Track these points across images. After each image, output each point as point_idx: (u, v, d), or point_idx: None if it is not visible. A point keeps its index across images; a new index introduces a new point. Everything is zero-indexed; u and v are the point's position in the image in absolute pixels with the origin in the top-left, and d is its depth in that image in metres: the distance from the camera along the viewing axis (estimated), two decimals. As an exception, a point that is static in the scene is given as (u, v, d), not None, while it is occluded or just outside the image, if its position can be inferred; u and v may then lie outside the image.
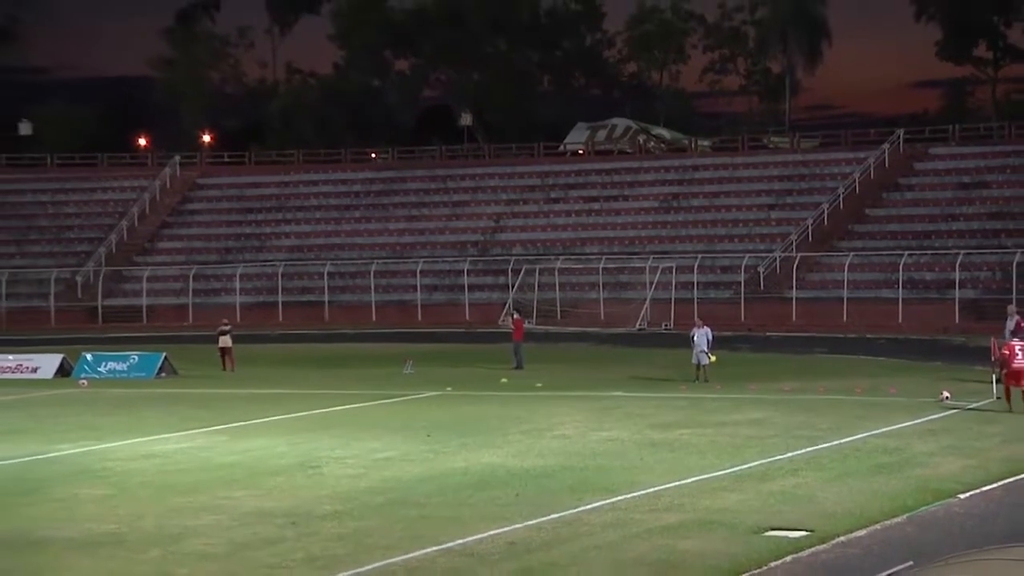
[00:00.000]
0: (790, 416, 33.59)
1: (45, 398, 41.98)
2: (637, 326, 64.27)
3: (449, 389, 41.49)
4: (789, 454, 27.84)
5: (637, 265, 67.82)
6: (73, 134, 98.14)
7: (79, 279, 75.30)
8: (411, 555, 19.50)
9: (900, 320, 61.47)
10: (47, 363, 48.81)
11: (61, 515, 22.97)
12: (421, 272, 71.37)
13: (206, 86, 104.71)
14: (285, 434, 32.47)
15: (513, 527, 21.19)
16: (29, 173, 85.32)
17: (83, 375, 47.17)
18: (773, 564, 18.58)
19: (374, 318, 69.78)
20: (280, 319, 70.43)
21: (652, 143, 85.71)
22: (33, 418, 36.75)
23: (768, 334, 60.59)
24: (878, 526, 20.72)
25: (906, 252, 64.77)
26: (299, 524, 21.71)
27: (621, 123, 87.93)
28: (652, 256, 68.31)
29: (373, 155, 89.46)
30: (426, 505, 23.31)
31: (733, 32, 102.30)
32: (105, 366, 48.18)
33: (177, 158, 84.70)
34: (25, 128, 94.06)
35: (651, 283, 66.02)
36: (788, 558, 18.86)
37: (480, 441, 30.61)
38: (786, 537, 20.08)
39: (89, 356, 49.01)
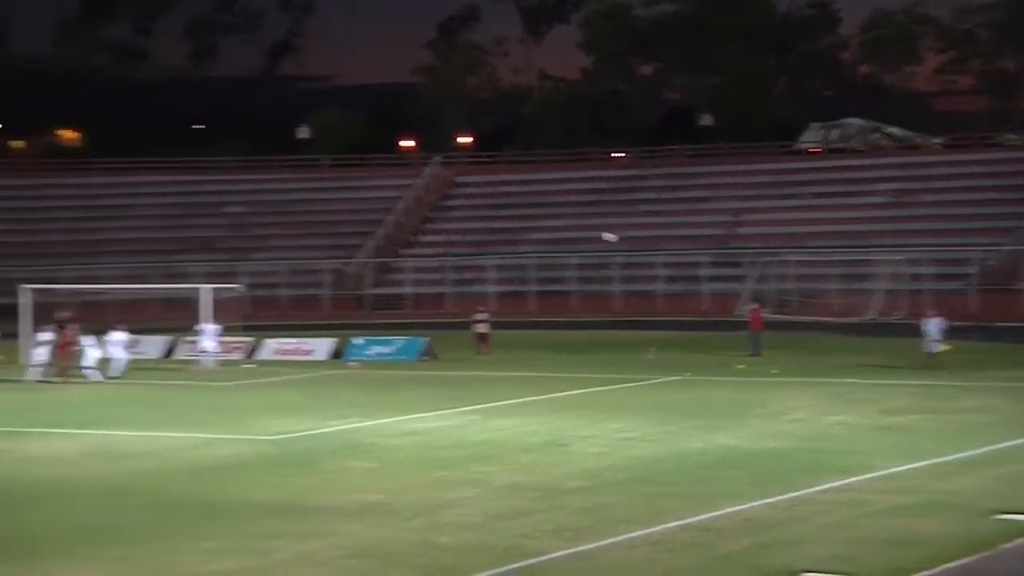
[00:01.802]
0: (1018, 404, 32.44)
1: (319, 378, 43.03)
2: (869, 316, 62.91)
3: (688, 374, 41.23)
4: (1018, 440, 26.89)
5: (869, 258, 66.36)
6: (345, 137, 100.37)
7: (350, 270, 77.01)
8: (652, 529, 19.42)
9: None
10: (321, 347, 50.03)
11: (333, 486, 23.50)
12: (662, 264, 71.07)
13: (465, 92, 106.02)
14: (535, 414, 32.69)
15: (750, 505, 20.94)
16: (306, 173, 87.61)
17: (353, 358, 48.17)
18: (1004, 546, 17.96)
19: (617, 307, 69.75)
20: (530, 307, 70.90)
21: (884, 141, 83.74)
22: (308, 396, 37.74)
23: (998, 324, 58.64)
24: (1108, 512, 19.86)
25: None
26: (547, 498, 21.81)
27: (854, 122, 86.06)
28: (884, 249, 66.76)
29: (617, 155, 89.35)
30: (666, 483, 23.20)
31: (967, 34, 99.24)
32: (372, 350, 49.16)
33: (438, 158, 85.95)
34: (303, 133, 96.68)
35: (883, 275, 64.56)
36: (1019, 540, 18.21)
37: (717, 423, 30.34)
38: (1017, 520, 19.39)
39: (358, 340, 50.05)
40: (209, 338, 45.29)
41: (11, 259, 76.21)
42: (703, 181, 79.10)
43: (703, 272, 70.25)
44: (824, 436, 28.18)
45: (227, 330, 47.86)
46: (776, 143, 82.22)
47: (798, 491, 21.92)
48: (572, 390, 37.50)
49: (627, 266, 72.22)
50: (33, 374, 42.19)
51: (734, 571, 17.32)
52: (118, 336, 44.23)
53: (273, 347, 50.13)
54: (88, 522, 20.65)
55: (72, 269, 73.10)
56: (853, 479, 22.92)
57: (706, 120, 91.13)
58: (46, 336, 42.85)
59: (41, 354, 42.51)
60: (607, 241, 51.09)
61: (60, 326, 43.48)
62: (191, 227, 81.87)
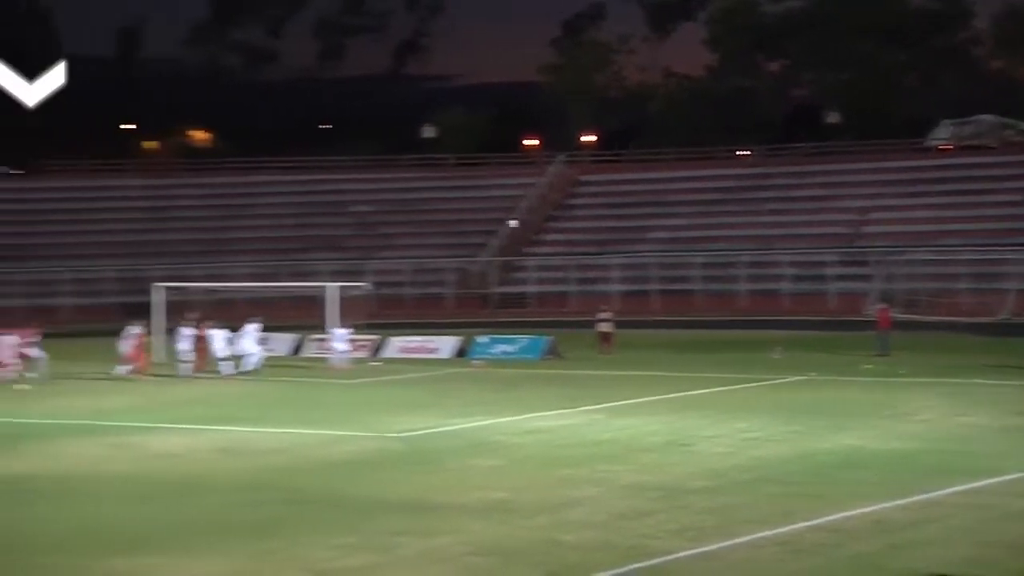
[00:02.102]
0: None
1: (443, 376, 43.34)
2: (1001, 316, 61.76)
3: (813, 374, 40.88)
4: None
5: (1001, 257, 65.13)
6: (469, 136, 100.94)
7: (474, 268, 77.43)
8: (779, 530, 19.35)
9: None
10: (445, 345, 50.35)
11: (457, 483, 23.69)
12: (787, 263, 70.44)
13: (590, 90, 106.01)
14: (658, 413, 32.66)
15: (880, 506, 20.76)
16: (431, 172, 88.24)
17: (477, 356, 48.41)
18: None
19: (742, 306, 69.30)
20: (653, 307, 70.71)
21: (1017, 137, 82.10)
22: (433, 394, 38.03)
23: None
24: None
25: None
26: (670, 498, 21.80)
27: (986, 119, 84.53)
28: (1016, 248, 65.47)
29: (742, 153, 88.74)
30: (792, 483, 23.07)
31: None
32: (496, 348, 49.33)
33: (562, 157, 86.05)
34: (428, 132, 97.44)
35: (1015, 274, 63.31)
36: None
37: (843, 424, 30.07)
38: None
39: (482, 339, 50.29)
40: (340, 340, 45.92)
41: (143, 257, 77.84)
42: (830, 179, 78.24)
43: (830, 271, 69.51)
44: (953, 437, 27.81)
45: (353, 328, 48.46)
46: (906, 140, 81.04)
47: (926, 493, 21.68)
48: (696, 389, 37.38)
49: (752, 265, 71.71)
50: (184, 370, 43.04)
51: (863, 573, 17.21)
52: (252, 329, 45.01)
53: (398, 345, 50.56)
54: (221, 517, 21.08)
55: (201, 267, 74.50)
56: (983, 482, 22.61)
57: (833, 117, 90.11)
58: (188, 332, 43.66)
59: (188, 351, 43.41)
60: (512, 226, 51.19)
61: (197, 323, 44.37)
62: (318, 226, 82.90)
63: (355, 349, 47.83)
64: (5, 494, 23.38)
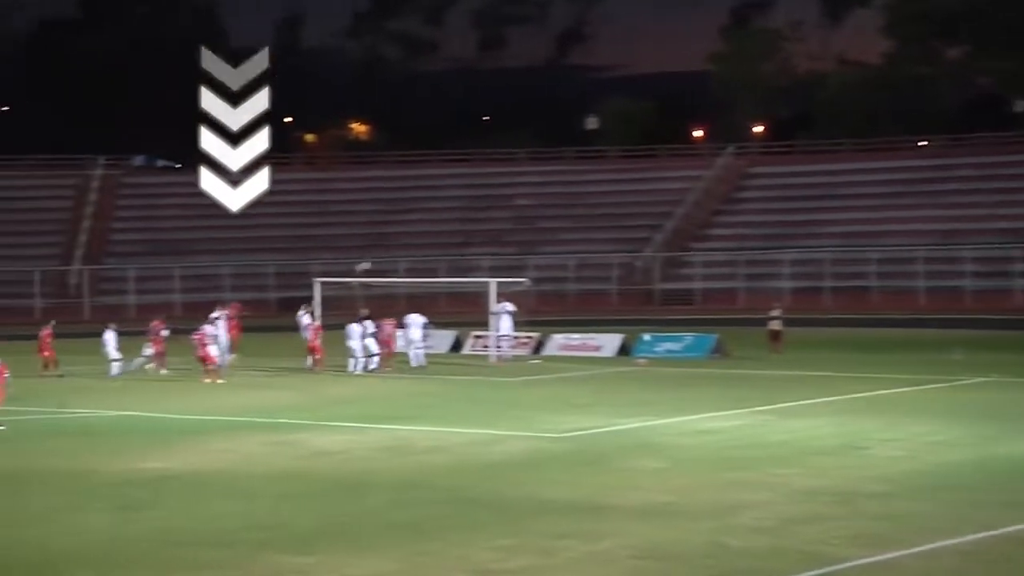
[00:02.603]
0: None
1: (607, 375, 43.34)
2: None
3: (996, 376, 40.00)
4: None
5: None
6: (633, 127, 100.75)
7: (638, 264, 77.31)
8: (961, 539, 19.02)
9: None
10: (609, 342, 50.29)
11: (622, 485, 23.72)
12: (970, 259, 69.02)
13: (759, 79, 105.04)
14: (831, 415, 32.29)
15: (1069, 517, 20.28)
16: (594, 165, 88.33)
17: (641, 354, 48.31)
18: None
19: (921, 304, 68.08)
20: (826, 304, 69.84)
21: None
22: (595, 393, 38.06)
23: None
24: None
25: None
26: (845, 503, 21.54)
27: None
28: None
29: (921, 143, 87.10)
30: (975, 490, 22.65)
31: None
32: (661, 346, 49.15)
33: (730, 148, 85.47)
34: (591, 123, 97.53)
35: None
36: None
37: (1029, 429, 29.39)
38: None
39: (647, 336, 50.16)
40: (507, 327, 46.32)
41: (303, 252, 79.29)
42: (1016, 171, 76.41)
43: (1016, 267, 67.95)
44: None
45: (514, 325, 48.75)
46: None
47: (1119, 503, 21.12)
48: (871, 391, 36.85)
49: (932, 260, 70.42)
50: (359, 366, 43.62)
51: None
52: (416, 320, 45.58)
53: (559, 342, 50.62)
54: (384, 517, 21.41)
55: (361, 263, 75.52)
56: None
57: (1019, 106, 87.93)
58: (367, 328, 44.21)
59: (373, 347, 44.15)
60: (363, 271, 50.53)
61: (363, 318, 44.96)
62: (479, 220, 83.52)
63: (514, 345, 48.11)
64: (169, 489, 24.03)
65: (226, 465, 26.61)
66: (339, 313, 48.60)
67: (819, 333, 56.94)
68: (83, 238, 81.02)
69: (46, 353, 43.50)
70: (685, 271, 76.56)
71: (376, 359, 44.37)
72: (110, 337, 44.53)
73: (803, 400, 35.03)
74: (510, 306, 47.61)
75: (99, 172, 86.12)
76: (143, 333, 45.35)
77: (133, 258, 80.00)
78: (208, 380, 40.68)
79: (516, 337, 48.19)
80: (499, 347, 47.15)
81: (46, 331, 44.46)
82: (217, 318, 45.48)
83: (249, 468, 26.24)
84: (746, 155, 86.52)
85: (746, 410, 33.46)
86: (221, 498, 23.19)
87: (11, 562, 18.93)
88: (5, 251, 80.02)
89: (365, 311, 45.91)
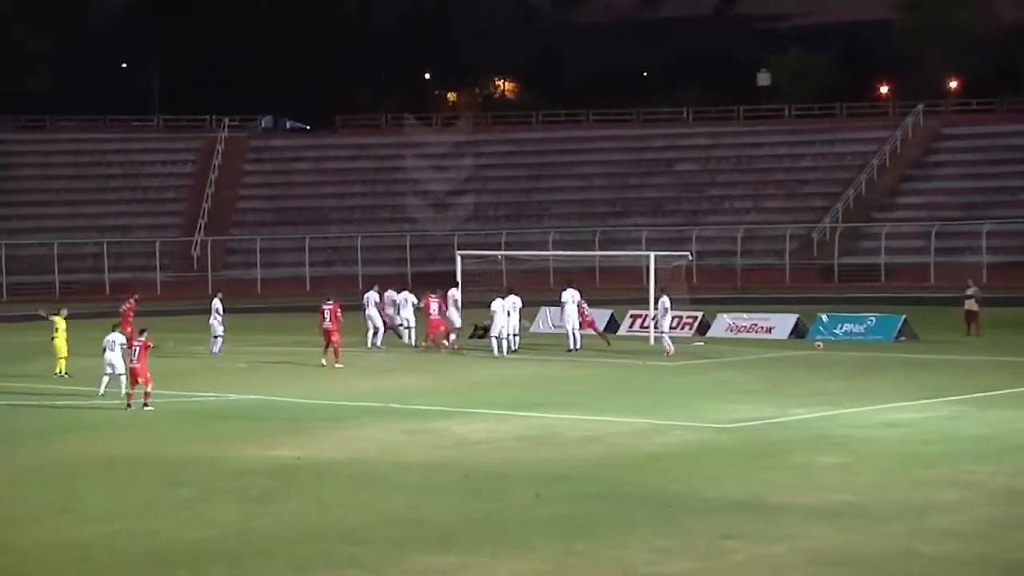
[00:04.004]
0: None
1: (779, 360, 42.90)
2: None
3: None
4: None
5: None
6: (810, 83, 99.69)
7: (815, 236, 76.45)
8: None
9: None
10: (781, 323, 49.83)
11: (796, 482, 23.45)
12: None
13: (953, 28, 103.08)
14: (1037, 407, 31.59)
15: None
16: (766, 125, 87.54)
17: (818, 336, 47.78)
18: None
19: None
20: (1031, 281, 68.42)
21: None
22: (767, 380, 37.67)
23: None
24: None
25: None
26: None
27: None
28: None
29: None
30: None
31: None
32: (841, 328, 48.59)
33: (920, 107, 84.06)
34: (763, 79, 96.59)
35: None
36: None
37: None
38: None
39: (824, 317, 49.60)
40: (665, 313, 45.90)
41: (444, 222, 79.66)
42: None
43: None
44: None
45: (674, 303, 48.42)
46: None
47: None
48: (1083, 379, 35.97)
49: None
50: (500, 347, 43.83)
51: None
52: (571, 296, 45.44)
53: (726, 323, 50.29)
54: (530, 513, 21.37)
55: (506, 234, 75.83)
56: None
57: None
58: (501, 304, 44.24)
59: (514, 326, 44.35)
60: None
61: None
62: (636, 187, 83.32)
63: (674, 326, 47.85)
64: (299, 480, 24.27)
65: (359, 454, 26.78)
66: (480, 289, 48.68)
67: (1021, 313, 55.76)
68: (206, 207, 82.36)
69: (128, 329, 44.21)
70: (868, 244, 75.53)
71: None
72: (217, 307, 45.15)
73: (1005, 389, 34.34)
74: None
75: (224, 135, 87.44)
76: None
77: (260, 228, 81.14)
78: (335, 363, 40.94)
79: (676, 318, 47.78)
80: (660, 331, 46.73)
81: (129, 304, 45.13)
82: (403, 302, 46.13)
83: (384, 458, 26.39)
84: (938, 114, 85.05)
85: (938, 400, 32.91)
86: (354, 490, 23.34)
87: (136, 555, 19.33)
88: (124, 220, 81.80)
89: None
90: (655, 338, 45.37)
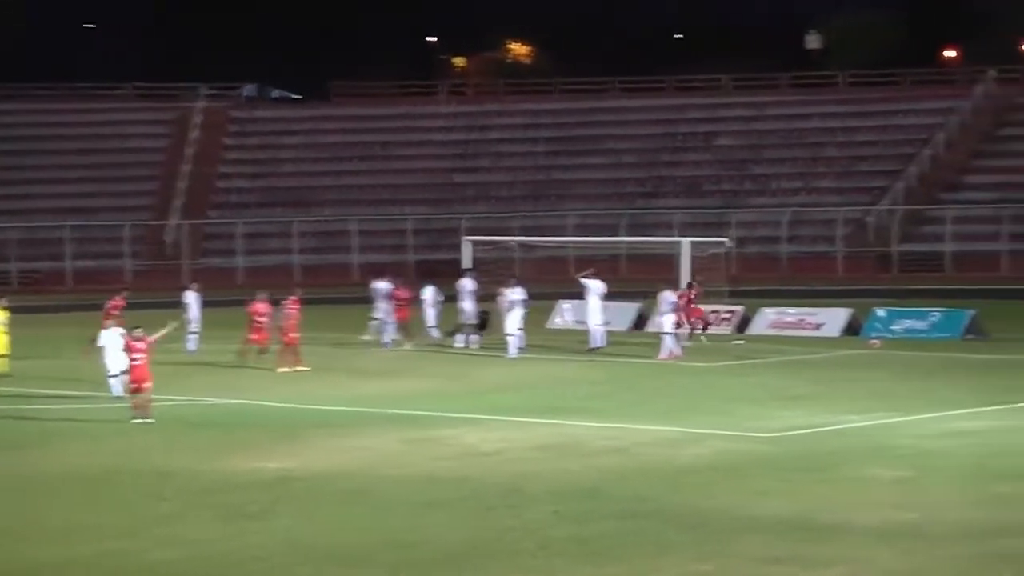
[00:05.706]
0: None
1: (830, 359, 43.05)
2: None
3: None
4: None
5: None
6: (868, 47, 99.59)
7: (871, 220, 76.39)
8: None
9: None
10: (832, 318, 49.98)
11: (850, 498, 23.53)
12: None
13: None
14: (1126, 414, 31.64)
15: None
16: (816, 95, 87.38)
17: (874, 334, 47.90)
18: None
19: None
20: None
21: None
22: (817, 382, 37.80)
23: None
24: None
25: None
26: None
27: None
28: None
29: None
30: None
31: None
32: (900, 324, 48.75)
33: (993, 73, 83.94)
34: (813, 42, 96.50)
35: None
36: None
37: None
38: None
39: (881, 312, 49.73)
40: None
41: (450, 204, 79.68)
42: None
43: None
44: None
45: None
46: None
47: None
48: None
49: None
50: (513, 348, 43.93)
51: None
52: (596, 286, 45.50)
53: (769, 318, 50.49)
54: (548, 533, 21.42)
55: (521, 217, 75.86)
56: None
57: None
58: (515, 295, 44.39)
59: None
60: None
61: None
62: (670, 165, 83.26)
63: (712, 323, 47.93)
64: (290, 494, 24.37)
65: (358, 466, 26.90)
66: (488, 280, 48.76)
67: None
68: (182, 186, 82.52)
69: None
70: (932, 229, 75.48)
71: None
72: (192, 300, 45.22)
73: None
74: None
75: (201, 105, 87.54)
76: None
77: (243, 210, 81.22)
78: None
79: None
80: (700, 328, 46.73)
81: (115, 302, 45.01)
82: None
83: (385, 470, 26.49)
84: (1015, 82, 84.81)
85: (1011, 406, 32.95)
86: (351, 506, 23.47)
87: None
88: (88, 201, 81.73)
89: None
90: (673, 336, 45.18)
